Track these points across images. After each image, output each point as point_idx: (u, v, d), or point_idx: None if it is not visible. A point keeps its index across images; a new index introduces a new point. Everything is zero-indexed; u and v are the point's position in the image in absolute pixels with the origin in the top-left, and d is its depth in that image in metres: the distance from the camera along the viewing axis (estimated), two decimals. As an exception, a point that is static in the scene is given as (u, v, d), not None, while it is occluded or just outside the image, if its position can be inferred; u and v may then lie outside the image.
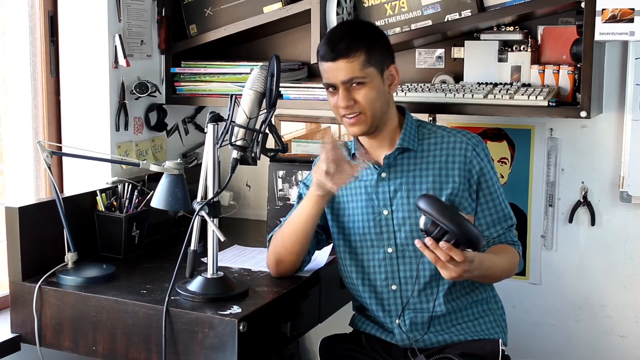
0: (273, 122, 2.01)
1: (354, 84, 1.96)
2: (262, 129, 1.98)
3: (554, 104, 2.22)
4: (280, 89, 2.28)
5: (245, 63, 2.62)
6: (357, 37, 1.97)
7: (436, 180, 1.99)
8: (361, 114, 1.97)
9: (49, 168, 2.06)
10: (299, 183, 2.24)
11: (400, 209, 2.00)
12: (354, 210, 2.06)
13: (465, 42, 2.47)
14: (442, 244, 1.70)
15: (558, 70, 2.34)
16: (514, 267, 2.02)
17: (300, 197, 2.16)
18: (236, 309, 1.89)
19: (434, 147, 2.03)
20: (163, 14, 2.68)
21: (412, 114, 2.11)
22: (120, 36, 2.48)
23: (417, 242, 1.73)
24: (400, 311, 2.02)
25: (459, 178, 1.99)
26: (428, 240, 1.71)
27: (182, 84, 2.71)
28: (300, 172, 2.63)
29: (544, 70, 2.36)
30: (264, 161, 2.39)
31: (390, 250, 2.01)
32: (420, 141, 2.04)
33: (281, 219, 2.19)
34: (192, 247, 1.98)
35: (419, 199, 1.75)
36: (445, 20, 2.39)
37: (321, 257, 2.25)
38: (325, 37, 2.03)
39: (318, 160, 1.99)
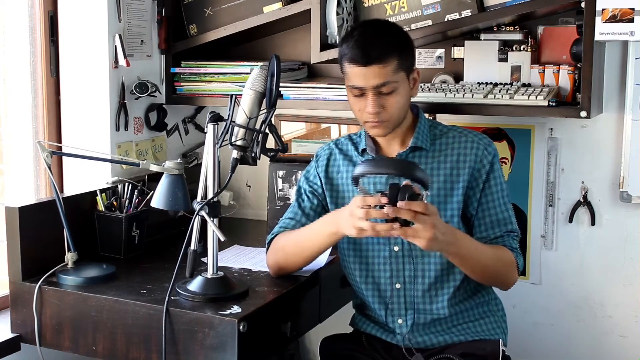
0: (273, 122, 2.01)
1: (384, 90, 1.92)
2: (262, 129, 1.98)
3: (554, 104, 2.22)
4: (280, 89, 2.28)
5: (245, 63, 2.62)
6: (391, 43, 1.94)
7: (447, 180, 1.99)
8: (386, 121, 1.96)
9: (49, 168, 2.06)
10: (300, 177, 2.22)
11: None
12: None
13: (465, 42, 2.48)
14: (399, 203, 1.69)
15: (558, 70, 2.34)
16: (504, 267, 1.96)
17: (299, 191, 2.15)
18: (236, 309, 1.89)
19: (446, 147, 2.02)
20: (163, 14, 2.68)
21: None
22: (120, 36, 2.48)
23: (394, 230, 1.72)
24: (403, 310, 2.01)
25: (469, 177, 1.98)
26: (388, 209, 1.69)
27: (182, 84, 2.71)
28: (300, 172, 2.63)
29: (544, 70, 2.36)
30: (264, 161, 2.39)
31: (396, 248, 2.01)
32: (432, 141, 2.04)
33: (279, 220, 2.18)
34: (192, 247, 1.98)
35: (353, 175, 1.77)
36: (445, 20, 2.39)
37: (321, 257, 2.23)
38: (357, 39, 1.93)
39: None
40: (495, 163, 2.02)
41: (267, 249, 2.12)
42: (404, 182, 1.73)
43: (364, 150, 2.07)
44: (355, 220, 1.77)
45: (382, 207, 1.72)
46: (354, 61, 1.92)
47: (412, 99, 2.04)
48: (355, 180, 1.79)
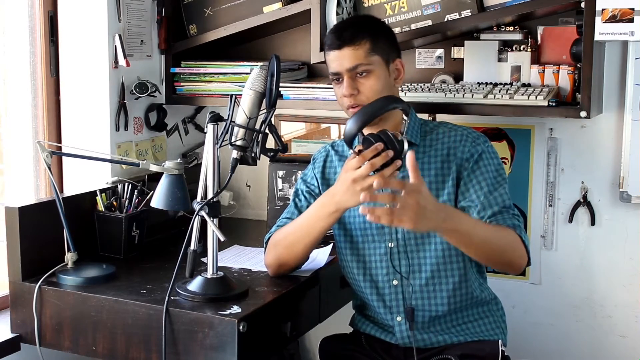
0: (273, 122, 2.01)
1: (359, 74, 1.97)
2: (262, 129, 1.98)
3: (554, 104, 2.22)
4: (280, 89, 2.28)
5: (245, 63, 2.62)
6: (363, 27, 2.01)
7: (438, 174, 1.99)
8: (363, 105, 1.97)
9: (49, 168, 2.06)
10: (298, 179, 2.23)
11: None
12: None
13: (465, 42, 2.47)
14: (376, 182, 1.71)
15: (558, 70, 2.34)
16: (507, 243, 1.88)
17: (296, 192, 2.16)
18: (236, 309, 1.89)
19: (436, 142, 2.03)
20: (163, 14, 2.68)
21: (412, 114, 2.11)
22: (120, 36, 2.48)
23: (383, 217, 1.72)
24: (402, 307, 2.01)
25: (458, 167, 1.98)
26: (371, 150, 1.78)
27: (182, 84, 2.71)
28: (300, 172, 2.63)
29: (543, 70, 2.36)
30: (264, 161, 2.39)
31: (391, 244, 2.01)
32: (423, 137, 2.04)
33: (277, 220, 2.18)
34: (192, 247, 1.98)
35: (345, 135, 1.87)
36: (445, 20, 2.39)
37: (321, 257, 2.24)
38: (332, 27, 2.09)
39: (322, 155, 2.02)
40: (484, 152, 1.99)
41: (265, 248, 2.12)
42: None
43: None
44: (361, 183, 1.80)
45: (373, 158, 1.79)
46: (329, 47, 2.01)
47: (413, 102, 2.04)
48: (350, 141, 1.83)
